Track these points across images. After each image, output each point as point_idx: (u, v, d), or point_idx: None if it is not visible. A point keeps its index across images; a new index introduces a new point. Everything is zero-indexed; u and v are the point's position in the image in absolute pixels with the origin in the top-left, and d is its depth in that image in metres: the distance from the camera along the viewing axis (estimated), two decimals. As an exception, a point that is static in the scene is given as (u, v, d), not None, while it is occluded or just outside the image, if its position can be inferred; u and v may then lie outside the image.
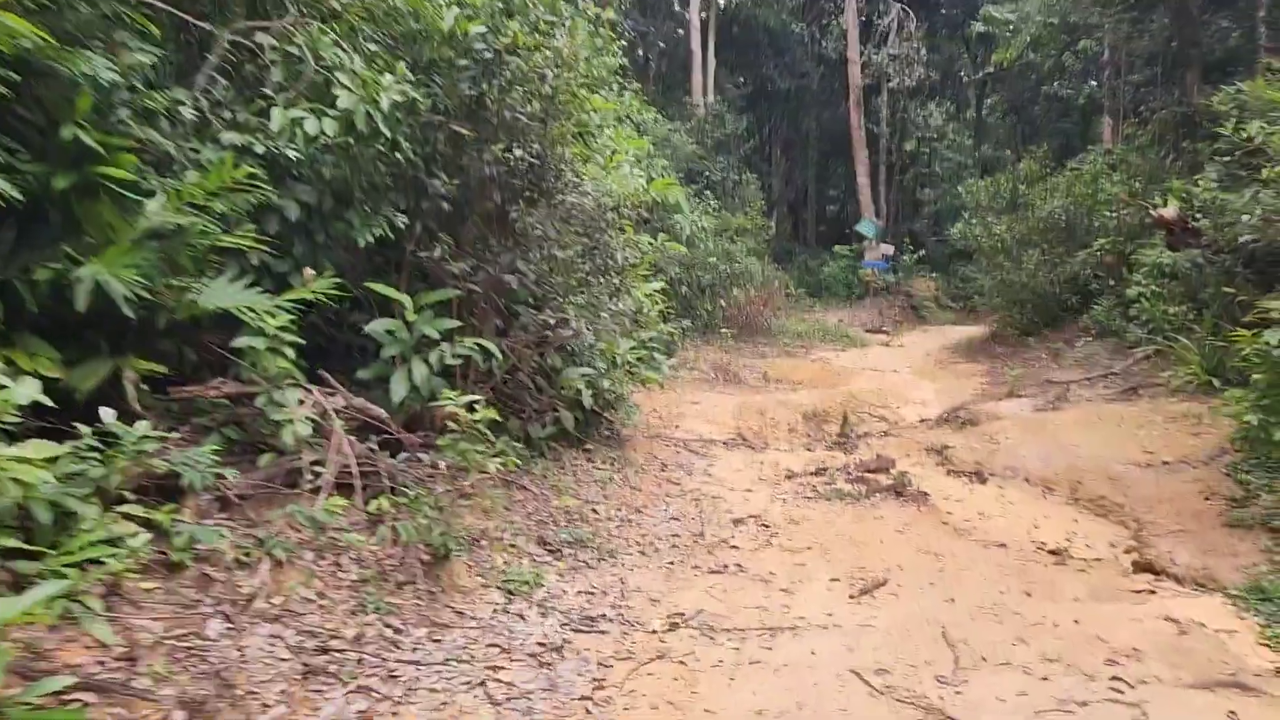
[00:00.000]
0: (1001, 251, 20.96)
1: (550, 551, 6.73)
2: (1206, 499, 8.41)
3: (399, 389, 6.95)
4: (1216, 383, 11.54)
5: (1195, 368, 11.87)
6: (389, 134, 6.51)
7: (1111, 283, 19.59)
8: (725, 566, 6.90)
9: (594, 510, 7.81)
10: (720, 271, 21.26)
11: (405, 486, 6.27)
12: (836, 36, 35.49)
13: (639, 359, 10.67)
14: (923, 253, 33.59)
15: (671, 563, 6.92)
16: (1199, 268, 11.92)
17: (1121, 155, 21.99)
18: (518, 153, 7.06)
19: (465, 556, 6.05)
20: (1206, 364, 11.87)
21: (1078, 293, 20.29)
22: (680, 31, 38.45)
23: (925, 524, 8.24)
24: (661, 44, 41.36)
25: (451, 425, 6.01)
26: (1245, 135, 9.07)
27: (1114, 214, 19.66)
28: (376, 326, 7.07)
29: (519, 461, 7.15)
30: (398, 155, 6.77)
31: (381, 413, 6.76)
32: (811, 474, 10.26)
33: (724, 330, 19.98)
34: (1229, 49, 23.43)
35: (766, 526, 8.09)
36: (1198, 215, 12.32)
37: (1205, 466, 9.10)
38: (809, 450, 12.05)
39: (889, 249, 30.95)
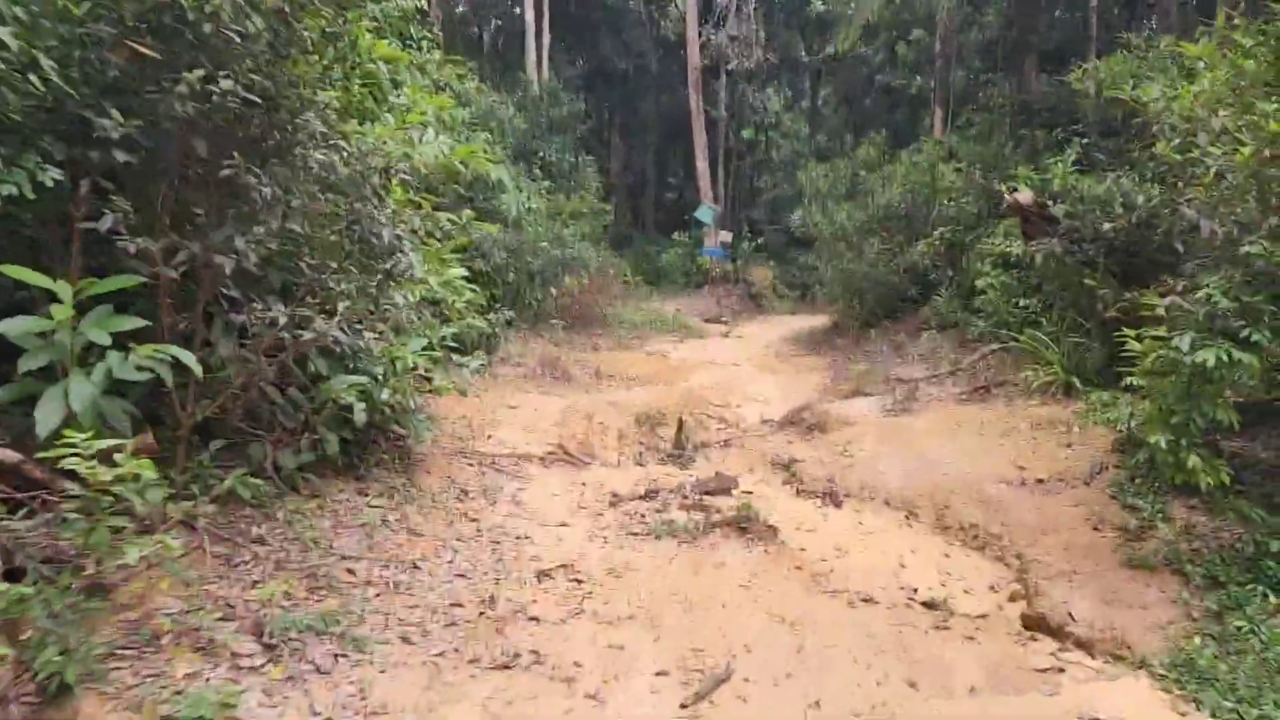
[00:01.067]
0: (842, 240, 19.81)
1: (267, 648, 4.66)
2: (1095, 528, 7.07)
3: (49, 416, 4.74)
4: (1078, 383, 10.42)
5: (1056, 367, 10.72)
6: (13, 45, 4.31)
7: (950, 273, 18.74)
8: (516, 657, 4.99)
9: (350, 571, 5.77)
10: (552, 257, 19.33)
11: (38, 567, 4.14)
12: (676, 18, 34.00)
13: (434, 361, 8.64)
14: (760, 240, 32.56)
15: (442, 654, 4.96)
16: (1056, 258, 10.74)
17: (958, 143, 21.24)
18: (226, 84, 4.93)
19: (103, 683, 3.94)
20: (1067, 363, 10.74)
21: (918, 283, 19.37)
22: (517, 10, 36.16)
23: (776, 572, 6.56)
24: (497, 20, 39.03)
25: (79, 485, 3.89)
26: (1142, 101, 7.79)
27: (953, 202, 18.79)
28: (12, 326, 4.84)
29: (225, 513, 5.06)
30: (36, 79, 4.56)
31: (11, 455, 4.57)
32: (641, 497, 8.48)
33: (554, 321, 18.05)
34: (1063, 38, 23.08)
35: (580, 582, 6.24)
36: (1052, 201, 11.23)
37: (1086, 487, 7.80)
38: (640, 465, 10.29)
39: (727, 236, 29.69)
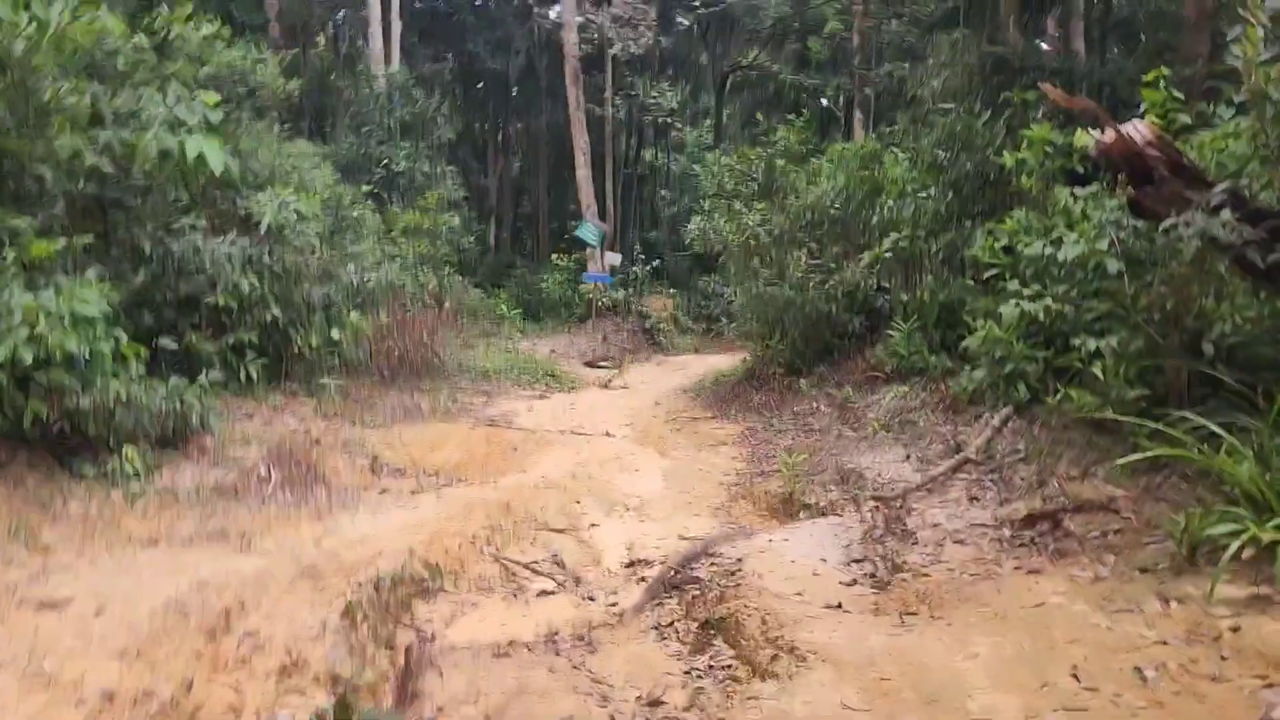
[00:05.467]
0: (757, 253, 13.94)
1: None
2: None
3: None
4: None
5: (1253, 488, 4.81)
6: None
7: (905, 298, 13.02)
8: None
9: None
10: (346, 284, 13.07)
11: None
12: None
13: None
14: (659, 263, 26.71)
15: None
16: (1213, 246, 4.95)
17: (907, 128, 15.62)
18: None
19: None
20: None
21: (861, 311, 13.64)
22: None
23: None
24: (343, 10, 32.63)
25: None
26: None
27: (906, 199, 13.09)
28: None
29: None
30: None
31: None
32: None
33: (326, 381, 11.73)
34: None
35: None
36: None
37: None
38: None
39: (615, 258, 23.76)
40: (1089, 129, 6.49)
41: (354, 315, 12.39)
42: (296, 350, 12.07)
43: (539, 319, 26.02)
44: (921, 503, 6.89)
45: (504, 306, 25.33)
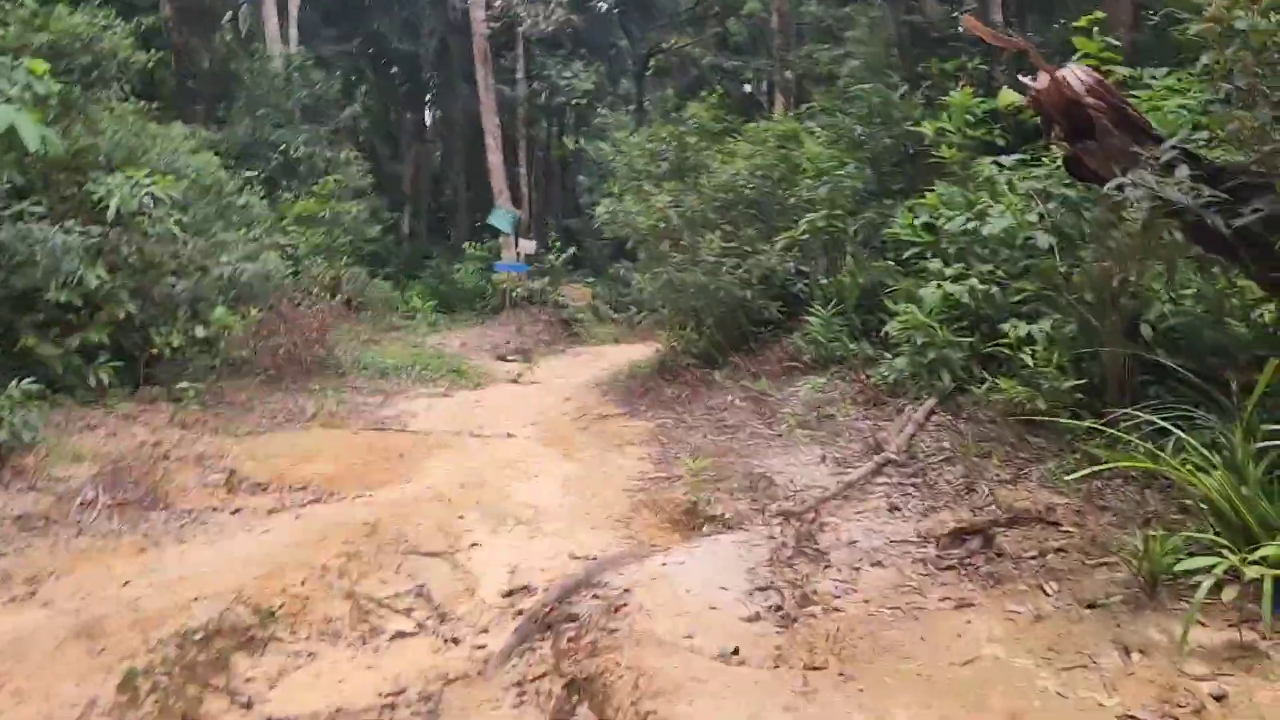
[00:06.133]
0: (668, 237, 12.99)
1: None
2: None
3: None
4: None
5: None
6: None
7: (824, 282, 12.23)
8: None
9: None
10: (217, 278, 11.81)
11: None
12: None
13: None
14: (575, 250, 25.63)
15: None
16: (1164, 204, 4.11)
17: (823, 103, 14.80)
18: None
19: None
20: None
21: (779, 298, 12.78)
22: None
23: None
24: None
25: None
26: None
27: (824, 178, 12.26)
28: None
29: None
30: None
31: None
32: None
33: (185, 386, 10.45)
34: None
35: None
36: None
37: None
38: None
39: (530, 246, 22.59)
40: (1015, 87, 5.61)
41: (220, 311, 11.11)
42: (157, 352, 10.81)
43: (454, 311, 24.79)
44: (837, 514, 5.99)
45: (417, 298, 24.04)
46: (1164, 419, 5.04)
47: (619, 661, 4.13)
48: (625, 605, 5.15)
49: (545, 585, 6.20)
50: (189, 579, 5.84)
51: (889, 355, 9.17)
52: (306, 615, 5.78)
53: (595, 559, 6.56)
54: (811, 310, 11.32)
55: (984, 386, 7.33)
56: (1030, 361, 6.62)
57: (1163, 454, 4.11)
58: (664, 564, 5.79)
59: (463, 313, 24.49)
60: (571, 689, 4.20)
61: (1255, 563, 3.20)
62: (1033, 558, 4.63)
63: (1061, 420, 6.12)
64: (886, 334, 9.03)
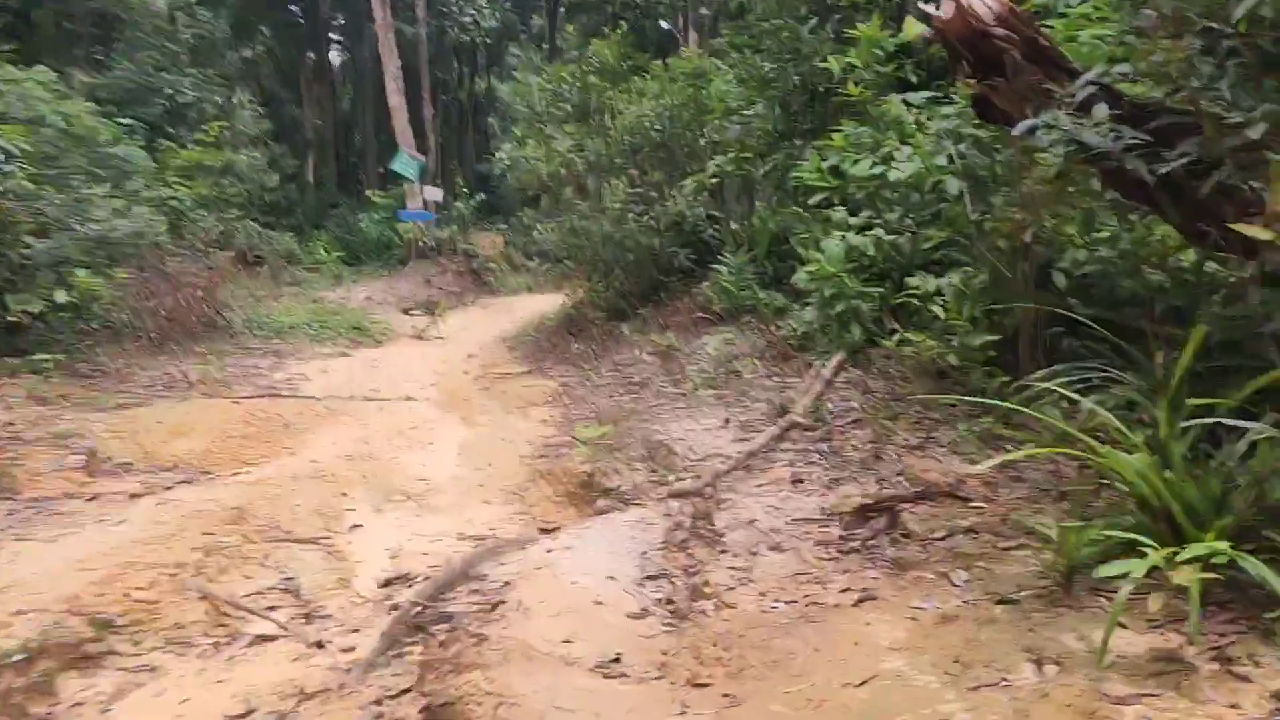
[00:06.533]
0: (571, 183, 12.31)
1: None
2: None
3: None
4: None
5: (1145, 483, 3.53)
6: None
7: (736, 226, 11.75)
8: None
9: None
10: (81, 236, 10.81)
11: None
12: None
13: None
14: (486, 197, 24.68)
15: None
16: (1081, 149, 3.64)
17: (732, 39, 14.10)
18: None
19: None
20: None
21: (689, 245, 12.24)
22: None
23: None
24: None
25: None
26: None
27: (734, 119, 11.66)
28: None
29: None
30: None
31: None
32: None
33: (44, 358, 9.55)
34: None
35: None
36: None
37: None
38: None
39: (436, 194, 21.64)
40: (923, 17, 5.07)
41: (83, 274, 10.17)
42: (15, 320, 9.87)
43: (362, 262, 23.74)
44: (738, 488, 5.54)
45: (322, 250, 22.94)
46: (1079, 379, 4.68)
47: (481, 684, 3.61)
48: (504, 603, 4.64)
49: (427, 573, 5.69)
50: (16, 587, 5.16)
51: (799, 306, 8.74)
52: (153, 622, 5.15)
53: (483, 540, 6.07)
54: (723, 258, 10.82)
55: (895, 339, 6.93)
56: (941, 314, 6.23)
57: (1077, 433, 3.68)
58: (550, 550, 5.29)
59: (370, 264, 23.47)
60: (430, 716, 3.68)
61: (1185, 562, 2.80)
62: (940, 539, 4.22)
63: (973, 379, 5.74)
64: (799, 283, 8.58)
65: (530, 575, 4.96)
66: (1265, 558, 2.91)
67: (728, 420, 6.98)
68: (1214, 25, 3.34)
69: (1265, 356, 3.55)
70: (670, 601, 4.41)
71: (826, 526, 4.77)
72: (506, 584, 4.88)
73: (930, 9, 4.22)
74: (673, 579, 4.64)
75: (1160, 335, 4.88)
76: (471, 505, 7.22)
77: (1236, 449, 3.26)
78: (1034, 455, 4.03)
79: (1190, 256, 5.07)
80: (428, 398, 10.98)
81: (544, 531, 6.02)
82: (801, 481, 5.45)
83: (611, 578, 4.81)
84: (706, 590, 4.37)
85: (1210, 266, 4.99)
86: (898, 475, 5.12)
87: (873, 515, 4.63)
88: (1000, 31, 3.93)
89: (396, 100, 22.13)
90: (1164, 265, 5.43)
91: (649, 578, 4.75)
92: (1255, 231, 3.17)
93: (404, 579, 5.83)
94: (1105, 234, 5.80)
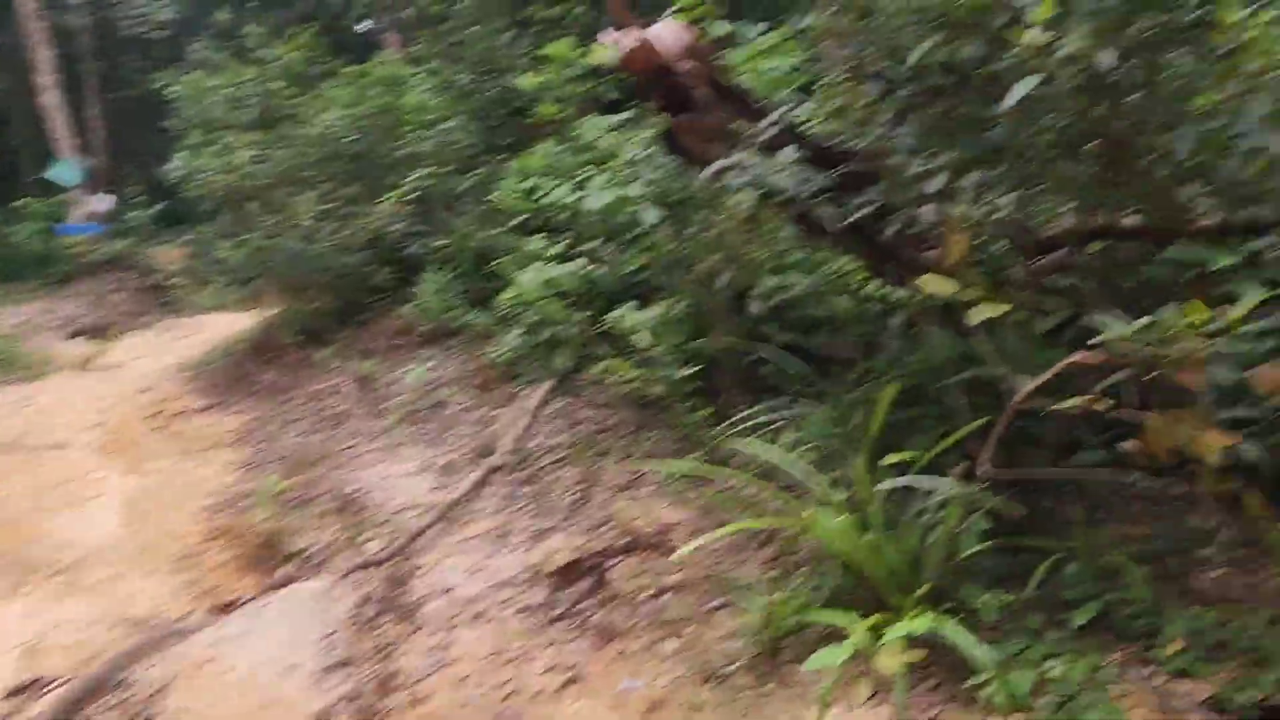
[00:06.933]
0: (255, 196, 11.21)
1: None
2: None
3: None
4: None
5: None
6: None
7: (443, 244, 11.16)
8: None
9: None
10: None
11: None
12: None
13: None
14: (168, 205, 22.29)
15: None
16: (771, 195, 3.50)
17: (429, 45, 13.44)
18: None
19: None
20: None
21: (391, 263, 11.50)
22: None
23: None
24: None
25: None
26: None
27: (432, 132, 11.08)
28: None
29: None
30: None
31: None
32: None
33: None
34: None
35: None
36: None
37: None
38: None
39: (104, 203, 19.25)
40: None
41: None
42: None
43: (21, 279, 20.66)
44: (438, 545, 5.04)
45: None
46: (780, 414, 4.62)
47: None
48: (155, 716, 3.88)
49: (70, 674, 4.73)
50: None
51: (504, 329, 8.35)
52: None
53: (144, 624, 5.18)
54: (427, 275, 10.21)
55: (601, 366, 6.69)
56: (644, 344, 6.05)
57: (778, 493, 3.53)
58: (219, 639, 4.54)
59: (27, 282, 20.46)
60: None
61: (893, 643, 2.67)
62: (647, 601, 3.97)
63: (679, 411, 5.60)
64: (505, 306, 8.17)
65: (192, 674, 4.22)
66: (961, 618, 2.85)
67: (429, 463, 6.45)
68: (887, 74, 3.29)
69: (953, 403, 3.57)
70: (356, 698, 3.85)
71: (531, 589, 4.39)
72: (160, 689, 4.11)
73: (612, 39, 3.95)
74: (360, 666, 4.08)
75: (847, 361, 4.94)
76: (133, 577, 6.20)
77: (930, 504, 3.22)
78: (742, 529, 3.84)
79: (877, 286, 5.17)
80: (89, 442, 9.51)
81: (216, 610, 5.24)
82: (507, 535, 5.04)
83: (292, 666, 4.18)
84: (397, 680, 3.86)
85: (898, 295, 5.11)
86: (606, 523, 4.84)
87: (578, 575, 4.31)
88: (686, 66, 3.72)
89: (51, 98, 19.38)
90: (855, 293, 5.53)
91: (334, 665, 4.16)
92: (937, 285, 3.14)
93: (38, 685, 4.83)
94: (794, 259, 5.84)
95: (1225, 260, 2.90)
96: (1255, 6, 2.88)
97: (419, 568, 4.78)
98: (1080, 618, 3.15)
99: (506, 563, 4.71)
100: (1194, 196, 3.43)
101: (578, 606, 4.09)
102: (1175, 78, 3.06)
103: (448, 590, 4.51)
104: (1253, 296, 2.55)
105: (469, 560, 4.81)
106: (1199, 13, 2.99)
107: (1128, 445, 2.92)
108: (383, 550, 4.97)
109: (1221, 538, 3.41)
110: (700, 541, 3.29)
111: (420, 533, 5.12)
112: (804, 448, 4.41)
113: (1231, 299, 2.71)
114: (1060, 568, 3.29)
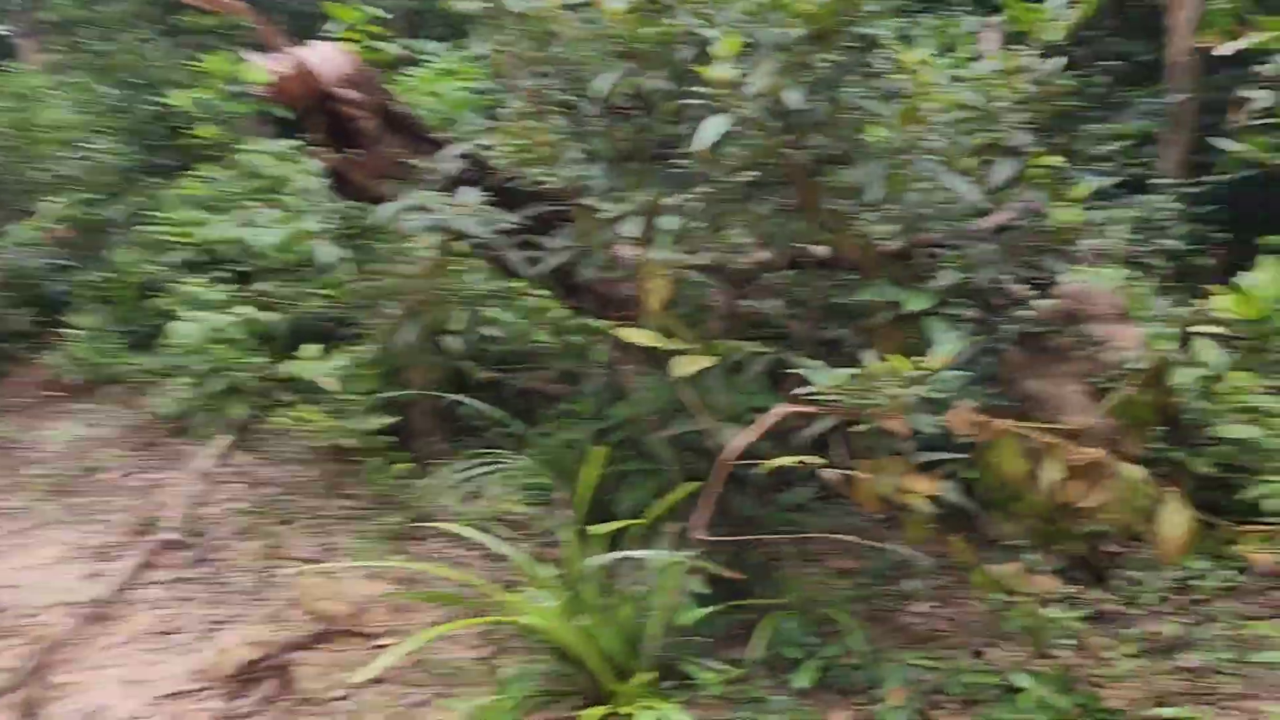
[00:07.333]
0: None
1: None
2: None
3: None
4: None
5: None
6: None
7: (98, 279, 9.76)
8: None
9: None
10: None
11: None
12: None
13: None
14: None
15: None
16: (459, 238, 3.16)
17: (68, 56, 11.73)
18: None
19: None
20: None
21: (30, 303, 9.89)
22: None
23: None
24: None
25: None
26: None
27: (76, 152, 9.66)
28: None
29: None
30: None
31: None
32: None
33: None
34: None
35: None
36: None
37: None
38: None
39: None
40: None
41: None
42: None
43: None
44: (87, 655, 4.18)
45: None
46: (480, 464, 4.26)
47: None
48: None
49: None
50: None
51: (173, 377, 7.33)
52: None
53: None
54: (79, 317, 8.85)
55: (286, 415, 5.99)
56: (333, 389, 5.46)
57: (483, 582, 3.15)
58: None
59: None
60: None
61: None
62: (343, 697, 3.45)
63: (372, 465, 5.07)
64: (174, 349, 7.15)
65: None
66: (686, 697, 2.62)
67: (79, 546, 5.44)
68: (574, 107, 3.02)
69: (663, 456, 3.37)
70: None
71: (202, 700, 3.71)
72: None
73: (258, 62, 3.40)
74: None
75: (552, 397, 4.69)
76: None
77: (645, 574, 2.98)
78: (448, 631, 3.38)
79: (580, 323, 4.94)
80: None
81: None
82: (176, 632, 4.28)
83: None
84: None
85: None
86: (293, 607, 4.22)
87: (261, 675, 3.69)
88: (349, 95, 3.25)
89: None
90: (557, 325, 5.27)
91: None
92: (635, 336, 2.91)
93: None
94: (490, 290, 5.48)
95: (918, 303, 2.90)
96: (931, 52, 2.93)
97: (62, 687, 3.92)
98: (802, 677, 3.05)
99: (173, 669, 3.97)
100: (875, 224, 3.48)
101: (258, 717, 3.49)
102: (855, 113, 3.04)
103: (101, 709, 3.71)
104: (951, 347, 2.53)
105: (126, 670, 4.00)
106: (869, 55, 2.99)
107: (829, 474, 2.84)
108: (13, 670, 4.04)
109: (923, 564, 3.46)
110: (388, 661, 2.83)
111: (63, 642, 4.23)
112: (513, 499, 4.09)
113: (926, 340, 2.70)
114: (780, 624, 3.18)
